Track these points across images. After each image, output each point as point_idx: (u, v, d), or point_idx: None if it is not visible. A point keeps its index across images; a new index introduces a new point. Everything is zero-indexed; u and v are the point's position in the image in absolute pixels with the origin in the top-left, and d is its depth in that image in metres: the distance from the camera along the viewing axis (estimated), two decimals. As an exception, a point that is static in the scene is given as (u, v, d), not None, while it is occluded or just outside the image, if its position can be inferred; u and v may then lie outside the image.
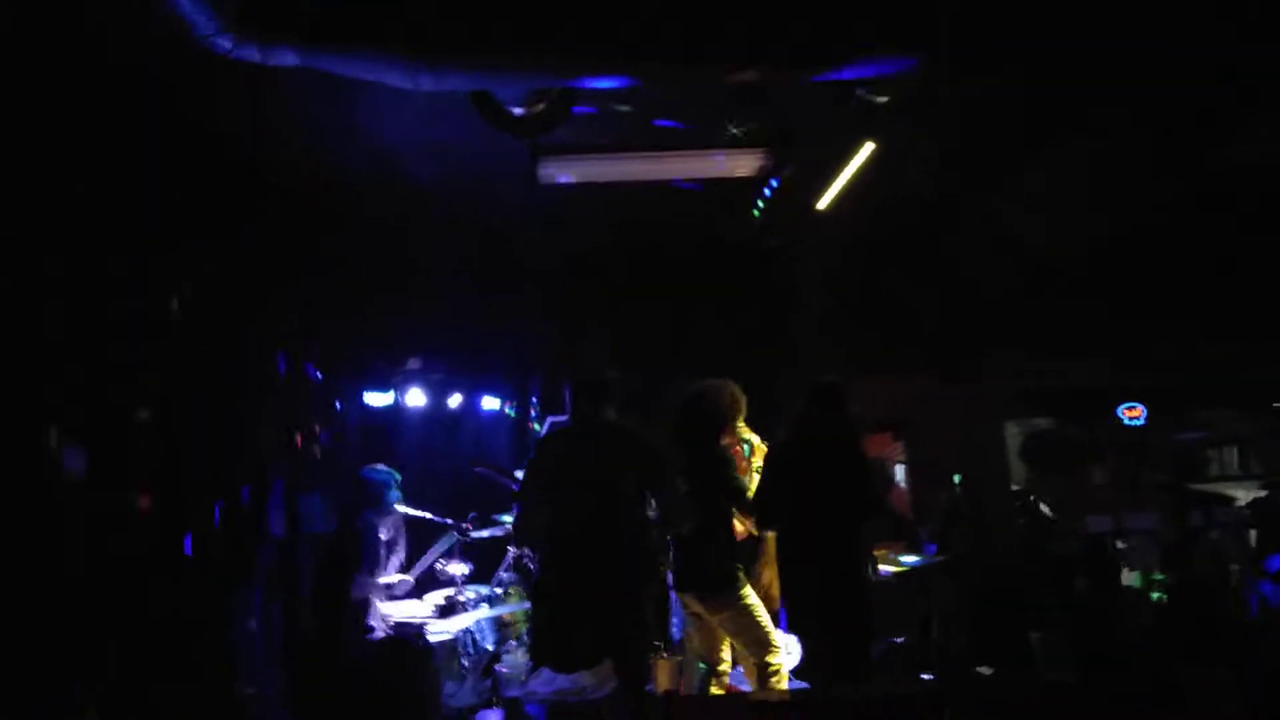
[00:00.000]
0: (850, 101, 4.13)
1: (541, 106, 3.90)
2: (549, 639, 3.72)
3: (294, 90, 3.69)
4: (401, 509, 4.80)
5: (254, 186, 4.39)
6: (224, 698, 3.60)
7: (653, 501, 3.90)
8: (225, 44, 3.03)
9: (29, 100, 3.18)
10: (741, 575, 4.15)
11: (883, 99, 4.15)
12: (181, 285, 3.91)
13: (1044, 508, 5.81)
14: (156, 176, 3.72)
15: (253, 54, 3.12)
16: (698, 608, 4.23)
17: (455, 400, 6.27)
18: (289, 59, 3.19)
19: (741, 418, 4.33)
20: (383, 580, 4.64)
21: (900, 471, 6.68)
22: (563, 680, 3.40)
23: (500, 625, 4.69)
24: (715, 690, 4.28)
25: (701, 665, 4.45)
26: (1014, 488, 6.43)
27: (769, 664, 4.00)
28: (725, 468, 4.07)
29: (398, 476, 4.73)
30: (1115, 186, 5.31)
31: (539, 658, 3.67)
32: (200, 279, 4.03)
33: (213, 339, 4.03)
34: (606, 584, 3.66)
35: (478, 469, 4.93)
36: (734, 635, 4.28)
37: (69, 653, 3.08)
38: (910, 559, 4.95)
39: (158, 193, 3.76)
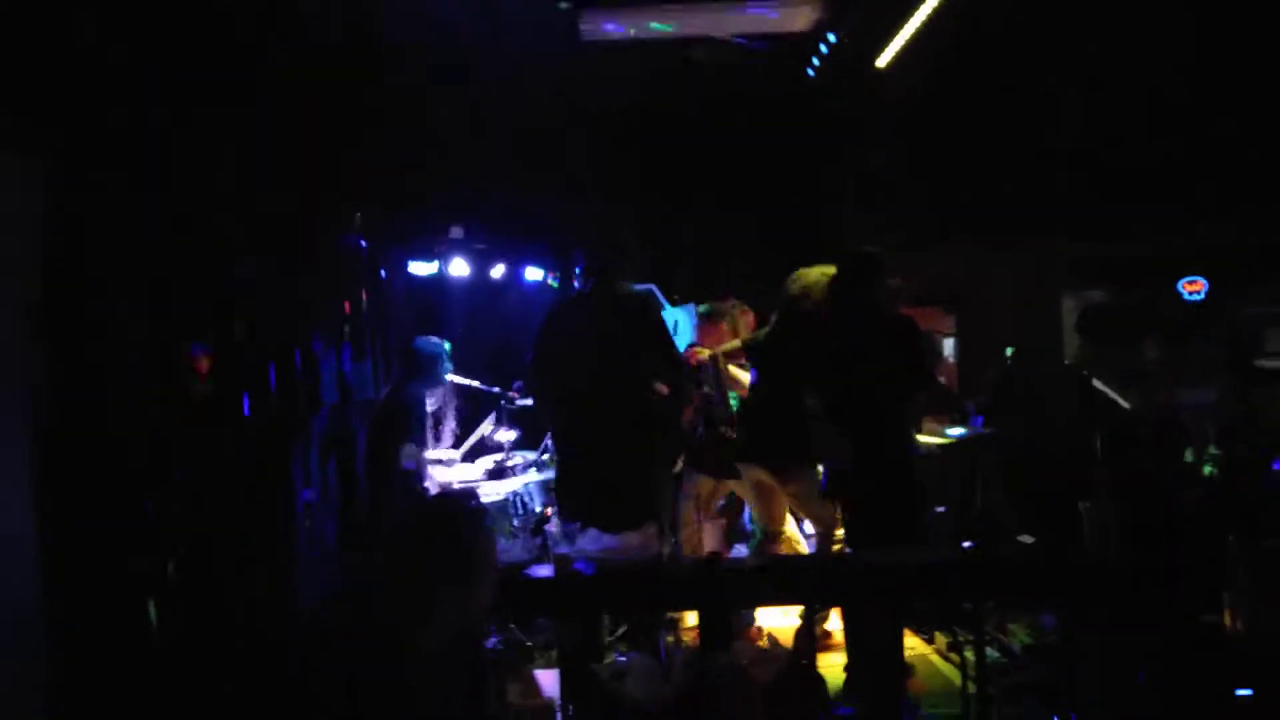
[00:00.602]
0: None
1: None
2: (570, 501, 3.78)
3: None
4: (450, 378, 4.86)
5: (297, 50, 4.25)
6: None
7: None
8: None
9: None
10: None
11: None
12: (230, 151, 3.85)
13: (1097, 382, 5.70)
14: (195, 39, 3.60)
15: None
16: (766, 478, 4.26)
17: (498, 271, 6.25)
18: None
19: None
20: (433, 454, 4.74)
21: (950, 344, 6.56)
22: (609, 539, 3.48)
23: (548, 488, 4.82)
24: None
25: (757, 532, 4.54)
26: (1066, 361, 6.31)
27: (835, 536, 4.07)
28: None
29: (448, 348, 4.76)
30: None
31: (568, 516, 3.74)
32: (249, 146, 3.96)
33: (259, 204, 4.01)
34: (610, 449, 3.65)
35: None
36: (800, 508, 4.33)
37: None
38: (957, 431, 4.92)
39: (196, 56, 3.65)
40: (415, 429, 4.52)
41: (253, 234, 3.75)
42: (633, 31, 4.62)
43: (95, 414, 3.06)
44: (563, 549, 3.51)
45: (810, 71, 5.14)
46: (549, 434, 4.96)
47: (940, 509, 4.95)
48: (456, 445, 5.03)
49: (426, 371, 4.67)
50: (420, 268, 5.75)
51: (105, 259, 3.12)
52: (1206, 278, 6.85)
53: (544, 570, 3.32)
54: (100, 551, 3.06)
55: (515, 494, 4.85)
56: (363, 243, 4.84)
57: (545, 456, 5.00)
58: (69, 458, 3.00)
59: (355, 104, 4.79)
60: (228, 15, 3.61)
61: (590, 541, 3.48)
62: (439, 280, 5.93)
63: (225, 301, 3.62)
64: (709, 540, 4.55)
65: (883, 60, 4.85)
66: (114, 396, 3.10)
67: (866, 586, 3.34)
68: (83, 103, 3.10)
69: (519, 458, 5.09)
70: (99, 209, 3.11)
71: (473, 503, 4.01)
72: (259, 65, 3.89)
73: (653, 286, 6.29)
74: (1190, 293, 6.93)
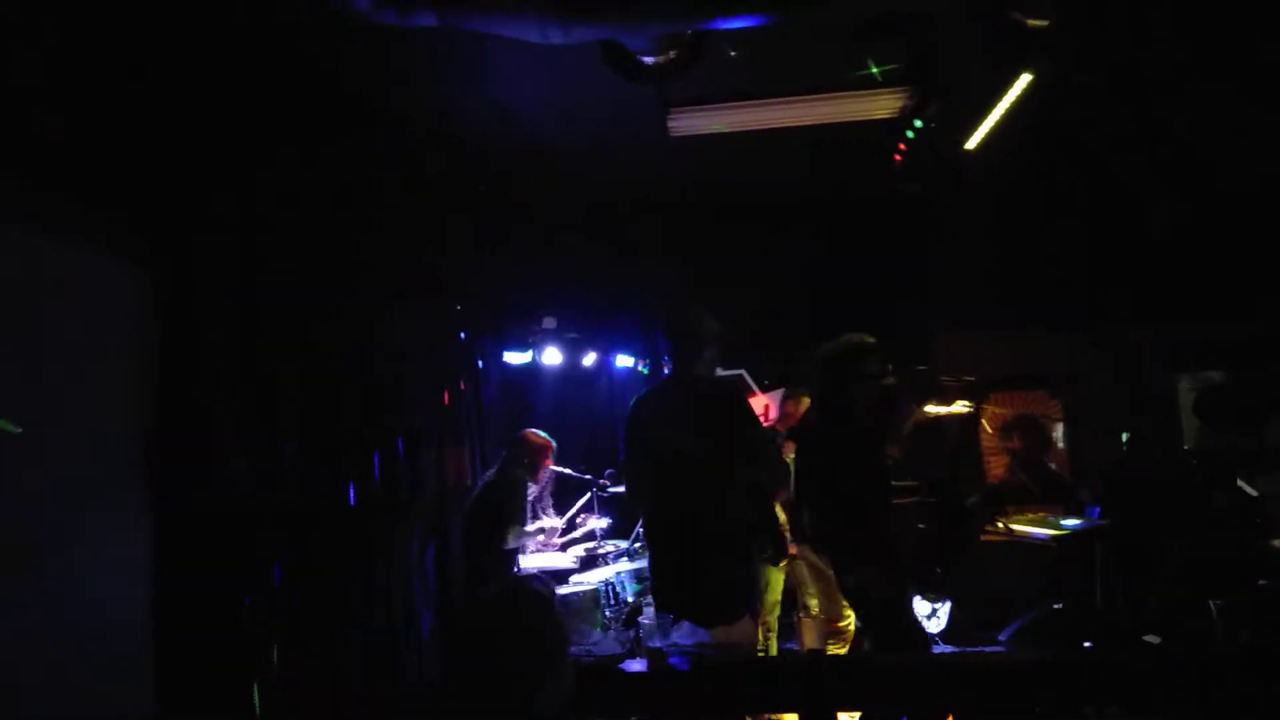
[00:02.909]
0: (1002, 26, 3.81)
1: (673, 53, 3.79)
2: (663, 595, 3.67)
3: (425, 57, 3.73)
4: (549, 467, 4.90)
5: (400, 152, 4.51)
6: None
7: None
8: (364, 5, 3.06)
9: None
10: None
11: (1040, 23, 3.81)
12: (339, 249, 4.06)
13: (1220, 468, 5.35)
14: (301, 137, 3.85)
15: (392, 16, 3.14)
16: (822, 562, 4.14)
17: (590, 358, 6.35)
18: (427, 19, 3.20)
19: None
20: (531, 527, 4.76)
21: (1060, 430, 6.27)
22: (704, 633, 3.39)
23: (640, 578, 4.75)
24: (834, 648, 4.21)
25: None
26: (1186, 446, 5.95)
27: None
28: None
29: (555, 445, 4.82)
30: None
31: (662, 610, 3.63)
32: (360, 242, 4.17)
33: (363, 306, 4.19)
34: (700, 542, 3.49)
35: None
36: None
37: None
38: (1071, 522, 4.66)
39: (308, 155, 3.90)
40: (518, 513, 4.55)
41: (356, 333, 3.91)
42: (720, 128, 4.73)
43: (202, 523, 3.17)
44: (656, 642, 3.42)
45: (898, 156, 5.14)
46: (640, 522, 4.92)
47: (1056, 605, 4.65)
48: (559, 533, 5.04)
49: (532, 461, 4.72)
50: (515, 357, 5.88)
51: (215, 373, 3.27)
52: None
53: (637, 665, 3.23)
54: (209, 639, 3.14)
55: (607, 583, 4.79)
56: (461, 334, 5.00)
57: (637, 545, 4.94)
58: (180, 554, 3.12)
59: (451, 201, 5.04)
60: (332, 135, 3.86)
61: (684, 635, 3.38)
62: (533, 369, 6.06)
63: (333, 395, 3.75)
64: (809, 637, 4.38)
65: (971, 143, 4.83)
66: (222, 499, 3.20)
67: (985, 688, 3.13)
68: (195, 217, 3.30)
69: (611, 546, 5.05)
70: (210, 324, 3.27)
71: (542, 584, 3.97)
72: (362, 180, 4.12)
73: (742, 372, 6.28)
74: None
